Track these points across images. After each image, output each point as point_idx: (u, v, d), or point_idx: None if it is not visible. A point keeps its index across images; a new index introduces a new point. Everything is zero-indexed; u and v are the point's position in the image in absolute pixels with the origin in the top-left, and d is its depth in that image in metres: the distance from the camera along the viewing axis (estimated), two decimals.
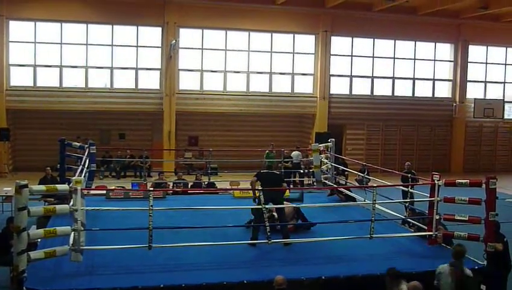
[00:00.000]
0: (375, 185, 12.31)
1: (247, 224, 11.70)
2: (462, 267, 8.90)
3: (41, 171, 18.60)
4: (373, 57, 30.05)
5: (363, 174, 17.14)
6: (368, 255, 10.47)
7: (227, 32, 27.97)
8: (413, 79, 30.88)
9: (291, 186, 20.74)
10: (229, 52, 28.14)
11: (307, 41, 29.09)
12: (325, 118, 29.11)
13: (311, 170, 18.66)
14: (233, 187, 18.65)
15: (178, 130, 27.89)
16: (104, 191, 15.91)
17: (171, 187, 18.91)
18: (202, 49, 27.83)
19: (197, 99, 27.73)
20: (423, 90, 31.26)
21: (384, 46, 30.21)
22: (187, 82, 27.93)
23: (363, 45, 29.89)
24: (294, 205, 12.36)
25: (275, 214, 11.61)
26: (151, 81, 27.52)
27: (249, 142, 28.62)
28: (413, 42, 30.57)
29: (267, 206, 10.68)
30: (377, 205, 11.18)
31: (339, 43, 29.49)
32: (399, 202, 14.45)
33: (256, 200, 11.03)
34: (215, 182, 19.71)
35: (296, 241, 10.92)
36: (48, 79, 26.46)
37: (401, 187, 15.40)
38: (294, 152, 24.16)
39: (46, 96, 26.07)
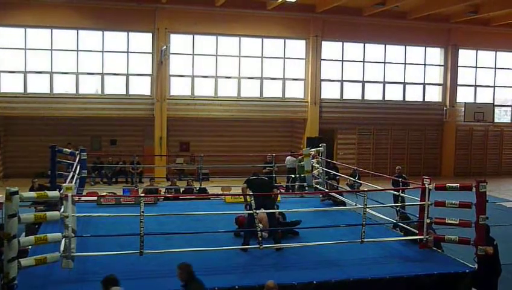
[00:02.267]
0: (366, 189, 12.35)
1: (236, 231, 11.68)
2: None
3: (32, 177, 18.63)
4: (364, 61, 30.14)
5: (354, 179, 17.20)
6: (359, 259, 10.51)
7: (218, 38, 27.96)
8: (404, 83, 31.00)
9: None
10: (220, 57, 28.13)
11: (297, 47, 29.14)
12: (316, 123, 29.15)
13: (302, 175, 18.65)
14: (224, 192, 18.64)
15: (169, 136, 27.85)
16: (95, 198, 15.87)
17: (163, 193, 18.90)
18: (193, 54, 27.81)
19: (188, 105, 27.70)
20: (414, 95, 31.38)
21: (374, 50, 30.31)
22: (178, 88, 27.89)
23: (353, 49, 29.96)
24: (279, 211, 12.32)
25: (279, 216, 11.69)
26: (142, 87, 27.46)
27: (240, 147, 28.64)
28: (404, 47, 30.68)
29: (258, 211, 10.68)
30: (368, 209, 11.22)
31: (330, 48, 29.54)
32: (390, 206, 14.48)
33: (248, 206, 11.03)
34: (207, 188, 19.72)
35: (287, 246, 10.93)
36: (38, 85, 26.31)
37: (392, 191, 15.46)
38: (288, 157, 24.18)
39: (36, 103, 25.96)
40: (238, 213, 11.98)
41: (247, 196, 11.00)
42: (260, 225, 10.67)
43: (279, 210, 12.25)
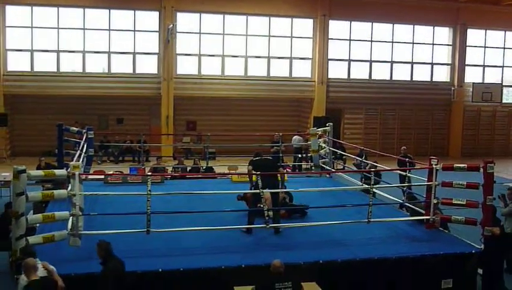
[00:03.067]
0: (372, 169, 12.32)
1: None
2: None
3: (40, 156, 18.69)
4: (371, 41, 29.95)
5: (360, 159, 17.15)
6: (365, 239, 10.51)
7: (225, 16, 27.82)
8: (412, 63, 30.80)
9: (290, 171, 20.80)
10: (227, 36, 28.02)
11: (305, 26, 28.96)
12: (323, 103, 29.06)
13: (309, 155, 18.64)
14: (231, 172, 18.64)
15: (176, 115, 27.80)
16: (102, 176, 15.91)
17: (169, 172, 18.92)
18: (200, 33, 27.70)
19: (195, 84, 27.66)
20: (421, 75, 31.19)
21: (382, 30, 30.09)
22: (185, 66, 27.86)
23: (361, 29, 29.75)
24: (285, 190, 12.30)
25: (286, 196, 11.66)
26: (149, 65, 27.43)
27: (247, 126, 28.59)
28: (412, 26, 30.43)
29: (265, 191, 10.67)
30: (374, 189, 11.20)
31: (337, 27, 29.36)
32: (396, 186, 14.46)
33: (253, 187, 11.01)
34: (213, 167, 19.74)
35: (293, 226, 10.94)
36: (45, 64, 26.37)
37: (398, 171, 15.43)
38: (294, 137, 24.13)
39: (43, 81, 25.99)
40: (244, 192, 11.94)
41: (253, 176, 10.97)
42: (265, 204, 10.68)
43: (286, 190, 12.24)
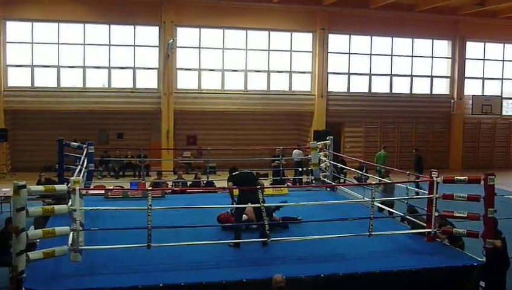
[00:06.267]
0: (373, 182, 12.31)
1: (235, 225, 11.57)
2: None
3: (40, 171, 18.69)
4: (371, 54, 30.08)
5: (361, 172, 17.14)
6: (367, 253, 10.47)
7: (225, 31, 27.96)
8: (411, 76, 30.91)
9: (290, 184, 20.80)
10: (227, 50, 28.14)
11: (304, 39, 29.10)
12: (323, 116, 29.12)
13: (309, 168, 18.63)
14: (231, 186, 18.57)
15: (176, 129, 27.86)
16: (103, 191, 15.90)
17: (170, 186, 18.91)
18: (200, 48, 27.83)
19: (195, 98, 27.73)
20: (421, 87, 31.29)
21: (381, 43, 30.25)
22: (185, 81, 27.95)
23: (360, 42, 29.90)
24: (275, 204, 12.29)
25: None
26: (149, 80, 27.53)
27: (247, 140, 28.62)
28: (411, 39, 30.59)
29: (265, 204, 10.66)
30: (375, 203, 11.18)
31: (337, 41, 29.51)
32: (397, 199, 14.43)
33: (234, 202, 11.10)
34: (214, 181, 19.72)
35: (294, 240, 10.89)
36: (45, 79, 26.50)
37: (399, 184, 15.40)
38: (295, 150, 24.14)
39: (44, 97, 26.08)
40: (245, 206, 11.91)
41: (233, 191, 11.03)
42: (245, 216, 10.76)
43: (277, 204, 12.28)
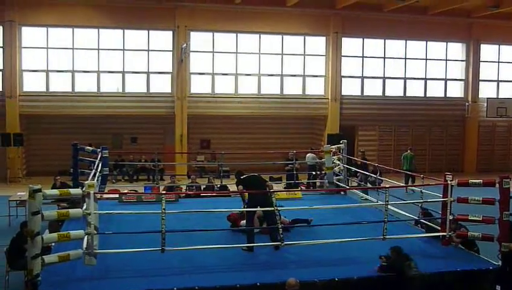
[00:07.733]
0: (387, 186, 12.27)
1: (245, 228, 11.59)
2: None
3: (55, 175, 18.81)
4: (384, 57, 29.95)
5: (375, 175, 17.10)
6: None
7: (238, 35, 27.98)
8: (425, 79, 30.74)
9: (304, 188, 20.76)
10: (240, 54, 28.16)
11: (317, 43, 29.04)
12: (337, 120, 29.04)
13: (323, 172, 18.61)
14: (245, 190, 18.59)
15: (190, 134, 27.91)
16: (117, 195, 15.98)
17: (184, 190, 18.94)
18: (213, 52, 27.86)
19: (209, 103, 27.77)
20: (435, 90, 31.07)
21: (395, 46, 30.10)
22: (198, 85, 27.95)
23: (374, 45, 29.78)
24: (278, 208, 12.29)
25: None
26: (162, 85, 27.56)
27: (260, 144, 28.58)
28: (425, 42, 30.43)
29: (279, 208, 10.67)
30: (389, 206, 11.14)
31: (350, 44, 29.41)
32: (412, 202, 14.36)
33: (246, 205, 11.12)
34: (228, 185, 19.74)
35: (308, 244, 10.87)
36: (60, 84, 26.58)
37: (413, 187, 15.34)
38: (308, 154, 24.11)
39: (58, 101, 26.21)
40: (258, 209, 11.91)
41: (244, 194, 11.08)
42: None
43: (282, 208, 12.25)
